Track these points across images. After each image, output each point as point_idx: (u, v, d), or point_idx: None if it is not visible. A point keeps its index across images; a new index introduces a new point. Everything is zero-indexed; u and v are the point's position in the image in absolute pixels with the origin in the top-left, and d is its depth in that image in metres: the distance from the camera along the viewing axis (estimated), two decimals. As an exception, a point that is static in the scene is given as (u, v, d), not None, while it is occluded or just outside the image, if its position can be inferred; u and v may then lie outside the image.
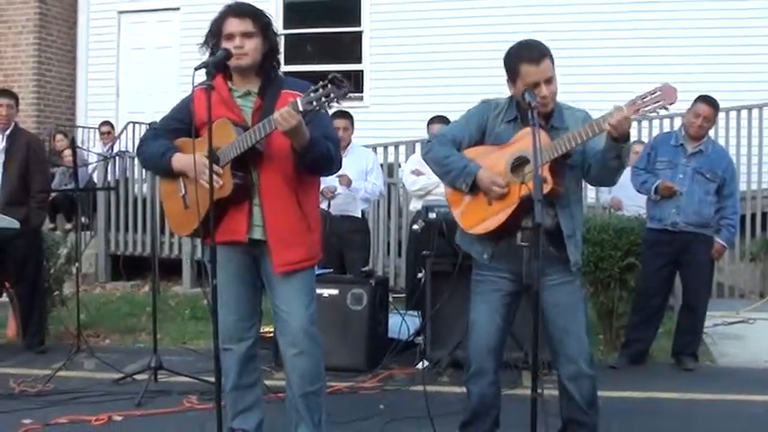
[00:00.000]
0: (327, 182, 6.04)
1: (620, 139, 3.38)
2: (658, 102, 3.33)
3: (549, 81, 3.55)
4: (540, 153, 3.28)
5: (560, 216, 3.65)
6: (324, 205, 6.17)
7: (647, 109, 3.35)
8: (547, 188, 3.40)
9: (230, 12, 3.62)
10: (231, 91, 3.69)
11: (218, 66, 3.56)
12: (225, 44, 3.58)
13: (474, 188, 3.66)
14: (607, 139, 3.43)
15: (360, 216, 6.93)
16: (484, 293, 3.76)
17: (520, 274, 3.65)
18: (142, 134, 4.43)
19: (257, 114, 3.62)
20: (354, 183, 6.64)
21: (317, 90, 3.32)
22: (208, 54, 3.64)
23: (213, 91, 3.47)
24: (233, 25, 3.59)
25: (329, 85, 3.30)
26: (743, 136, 9.50)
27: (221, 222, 3.64)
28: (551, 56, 3.58)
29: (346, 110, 6.78)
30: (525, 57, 3.55)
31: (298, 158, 3.53)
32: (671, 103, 3.35)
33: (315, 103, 3.31)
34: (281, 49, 4.28)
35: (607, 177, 3.67)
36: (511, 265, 3.68)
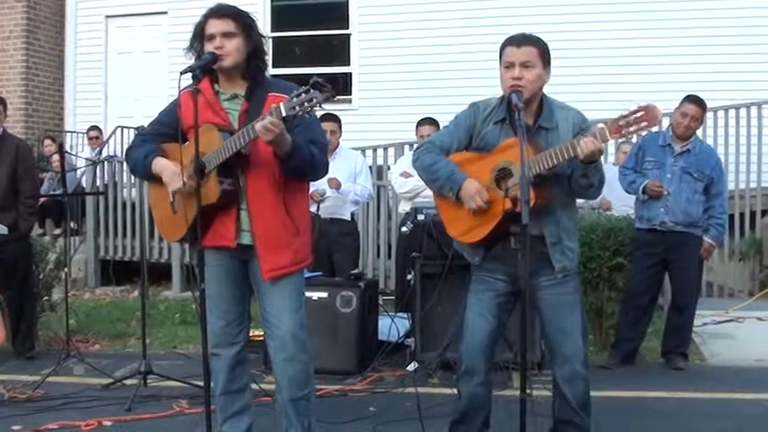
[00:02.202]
0: (317, 185, 6.04)
1: (585, 160, 3.40)
2: (640, 123, 3.32)
3: (526, 66, 3.54)
4: (527, 161, 3.27)
5: (544, 224, 3.64)
6: (313, 208, 6.17)
7: (630, 130, 3.34)
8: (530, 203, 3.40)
9: (211, 13, 3.62)
10: (217, 94, 3.67)
11: (205, 69, 3.55)
12: (207, 46, 3.57)
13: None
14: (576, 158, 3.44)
15: (349, 219, 6.92)
16: (479, 293, 3.77)
17: (515, 276, 3.65)
18: (131, 139, 4.42)
19: (244, 117, 3.60)
20: (344, 185, 6.63)
21: (299, 95, 3.29)
22: (194, 58, 3.63)
23: (199, 94, 3.47)
24: (213, 26, 3.58)
25: (311, 90, 3.28)
26: (731, 135, 9.55)
27: (210, 227, 3.62)
28: (541, 49, 3.58)
29: (334, 113, 6.79)
30: (512, 41, 3.61)
31: (280, 164, 3.51)
32: (654, 125, 3.36)
33: (297, 108, 3.28)
34: (269, 51, 4.27)
35: (580, 192, 3.67)
36: (506, 267, 3.68)
